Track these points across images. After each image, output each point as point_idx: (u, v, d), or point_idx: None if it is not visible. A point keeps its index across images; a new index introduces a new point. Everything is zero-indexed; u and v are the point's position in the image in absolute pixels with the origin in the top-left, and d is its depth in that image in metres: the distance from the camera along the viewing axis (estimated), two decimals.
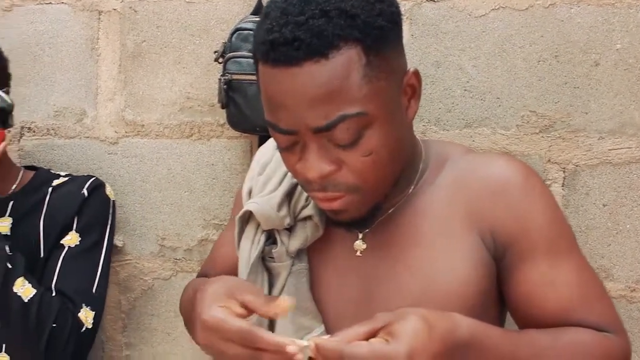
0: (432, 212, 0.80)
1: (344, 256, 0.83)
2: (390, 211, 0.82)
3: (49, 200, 1.05)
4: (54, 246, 1.02)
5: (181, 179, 1.16)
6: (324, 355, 0.61)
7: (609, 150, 1.06)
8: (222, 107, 1.05)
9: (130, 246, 1.18)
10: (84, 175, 1.08)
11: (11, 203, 1.04)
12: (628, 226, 1.07)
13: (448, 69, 1.11)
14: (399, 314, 0.63)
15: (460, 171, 0.81)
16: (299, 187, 0.87)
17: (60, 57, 1.19)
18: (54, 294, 0.96)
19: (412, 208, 0.80)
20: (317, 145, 0.68)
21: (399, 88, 0.73)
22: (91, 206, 1.05)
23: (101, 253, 1.04)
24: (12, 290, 0.90)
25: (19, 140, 1.24)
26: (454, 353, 0.64)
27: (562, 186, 1.09)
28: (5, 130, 0.99)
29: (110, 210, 1.07)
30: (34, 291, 0.92)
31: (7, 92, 1.02)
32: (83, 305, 0.98)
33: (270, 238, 0.88)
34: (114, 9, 1.16)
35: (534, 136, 1.09)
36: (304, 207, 0.86)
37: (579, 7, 1.05)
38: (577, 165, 1.07)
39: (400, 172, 0.79)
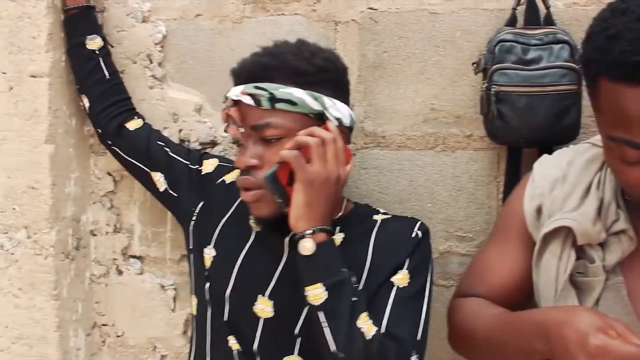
0: None
1: None
2: None
3: (377, 231, 1.02)
4: (383, 281, 0.96)
5: (423, 191, 1.18)
6: None
7: None
8: (488, 119, 1.06)
9: None
10: (406, 217, 1.07)
11: (337, 227, 1.01)
12: None
13: None
14: None
15: None
16: (606, 202, 0.89)
17: None
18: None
19: None
20: None
21: None
22: (422, 249, 1.01)
23: (425, 298, 0.99)
24: (356, 325, 0.88)
25: None
26: None
27: None
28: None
29: (432, 258, 1.04)
30: (375, 329, 0.89)
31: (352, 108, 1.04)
32: (413, 352, 0.93)
33: (577, 254, 0.90)
34: (353, 20, 1.19)
35: None
36: (615, 221, 0.88)
37: None
38: None
39: None
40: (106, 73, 1.23)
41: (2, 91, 1.26)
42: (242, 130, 0.94)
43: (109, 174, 1.35)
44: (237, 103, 0.95)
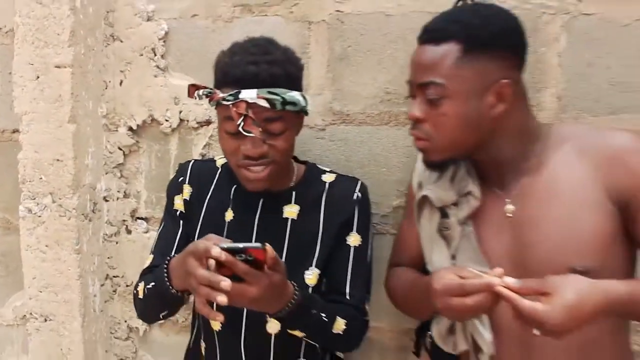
0: (563, 175, 1.11)
1: (498, 218, 1.17)
2: (522, 179, 1.14)
3: (326, 197, 1.32)
4: (337, 241, 1.29)
5: (380, 158, 1.51)
6: (507, 293, 0.96)
7: None
8: None
9: None
10: (348, 176, 1.37)
11: (294, 193, 1.32)
12: None
13: (598, 68, 1.43)
14: (560, 285, 0.95)
15: (583, 142, 1.12)
16: (459, 171, 1.22)
17: None
18: (348, 297, 1.27)
19: (545, 174, 1.12)
20: None
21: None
22: (364, 209, 1.33)
23: (369, 249, 1.33)
24: (332, 332, 1.22)
25: None
26: (609, 314, 0.97)
27: None
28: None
29: (371, 212, 1.36)
30: (344, 322, 1.23)
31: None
32: (367, 306, 1.31)
33: (441, 214, 1.22)
34: (323, 20, 1.50)
35: None
36: (464, 185, 1.20)
37: None
38: None
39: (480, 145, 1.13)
40: None
41: (30, 79, 1.55)
42: (258, 129, 1.15)
43: (119, 149, 1.65)
44: (245, 102, 1.13)
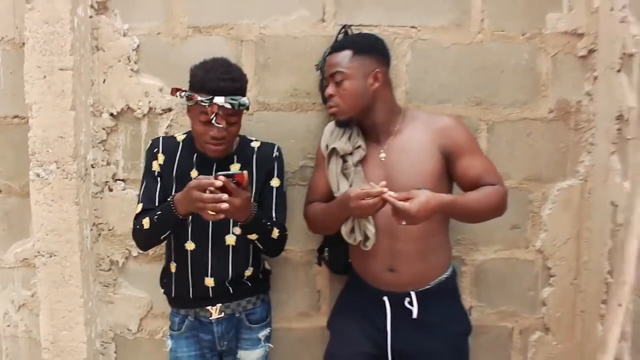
0: (413, 137, 1.95)
1: (376, 161, 1.99)
2: (390, 138, 1.98)
3: (256, 157, 2.02)
4: (264, 185, 2.00)
5: (289, 134, 2.29)
6: (390, 198, 1.75)
7: (508, 114, 2.31)
8: (322, 94, 2.15)
9: None
10: (268, 142, 2.07)
11: (235, 156, 2.00)
12: (517, 152, 2.30)
13: (431, 74, 2.27)
14: (418, 193, 1.73)
15: (425, 119, 1.98)
16: (353, 132, 2.02)
17: None
18: (274, 219, 1.99)
19: (403, 135, 1.97)
20: None
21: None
22: (280, 162, 2.05)
23: (285, 190, 2.08)
24: (271, 237, 1.96)
25: None
26: (442, 210, 1.76)
27: (487, 132, 2.29)
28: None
29: (284, 165, 2.10)
30: (277, 231, 1.96)
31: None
32: (285, 225, 2.04)
33: (342, 160, 2.02)
34: (251, 40, 2.25)
35: (473, 107, 2.32)
36: (356, 141, 2.02)
37: (494, 43, 2.28)
38: (493, 122, 2.31)
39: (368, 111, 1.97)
40: None
41: (38, 78, 2.16)
42: (224, 121, 1.83)
43: (103, 129, 2.31)
44: (217, 105, 1.81)
